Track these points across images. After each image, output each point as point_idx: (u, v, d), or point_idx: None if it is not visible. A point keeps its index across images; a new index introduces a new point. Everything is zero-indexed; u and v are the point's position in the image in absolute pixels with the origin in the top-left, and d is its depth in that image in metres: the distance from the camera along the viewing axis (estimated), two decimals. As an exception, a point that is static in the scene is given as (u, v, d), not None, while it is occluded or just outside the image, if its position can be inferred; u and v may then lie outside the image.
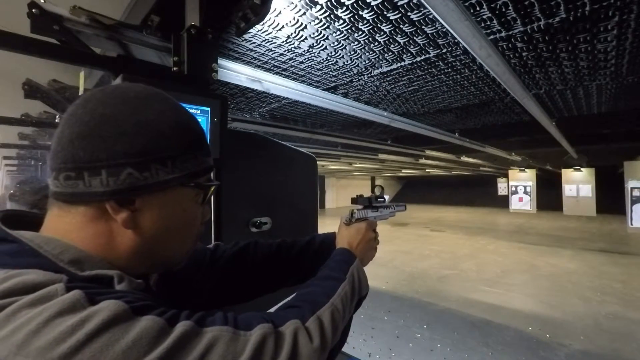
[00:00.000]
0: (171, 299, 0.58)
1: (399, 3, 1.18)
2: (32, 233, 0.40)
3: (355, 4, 1.18)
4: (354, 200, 0.77)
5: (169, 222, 0.45)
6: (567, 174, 12.17)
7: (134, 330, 0.31)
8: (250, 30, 1.23)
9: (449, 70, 1.85)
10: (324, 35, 1.42)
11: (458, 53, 1.61)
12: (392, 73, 1.88)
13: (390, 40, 1.46)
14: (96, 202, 0.40)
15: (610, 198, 12.12)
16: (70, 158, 0.39)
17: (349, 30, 1.38)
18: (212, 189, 0.50)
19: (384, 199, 0.81)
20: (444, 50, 1.58)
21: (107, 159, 0.38)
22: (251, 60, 1.65)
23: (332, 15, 1.26)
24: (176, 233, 0.47)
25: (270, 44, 1.50)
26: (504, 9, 1.22)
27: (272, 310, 0.50)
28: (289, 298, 0.53)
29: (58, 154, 0.39)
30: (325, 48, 1.55)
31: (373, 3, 1.17)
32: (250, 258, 0.70)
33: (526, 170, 13.07)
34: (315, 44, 1.51)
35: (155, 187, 0.42)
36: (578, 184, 12.20)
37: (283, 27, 1.34)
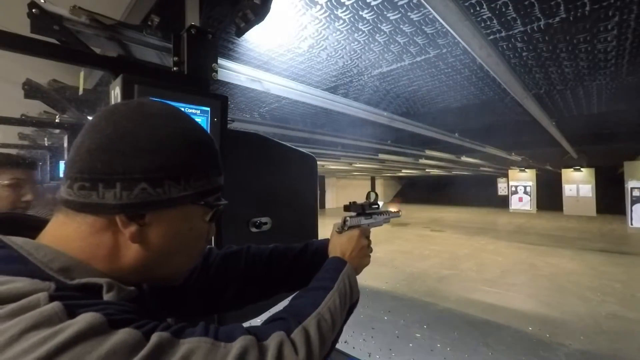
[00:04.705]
0: (163, 304, 0.57)
1: (399, 3, 1.18)
2: (23, 239, 0.40)
3: (355, 4, 1.18)
4: (347, 208, 0.74)
5: (176, 239, 0.45)
6: (567, 174, 12.18)
7: (108, 343, 0.31)
8: (250, 30, 1.23)
9: (449, 70, 1.85)
10: (324, 35, 1.42)
11: (458, 53, 1.61)
12: (392, 73, 1.88)
13: (390, 40, 1.46)
14: (106, 214, 0.40)
15: (610, 198, 12.12)
16: (87, 168, 0.39)
17: (349, 31, 1.38)
18: (221, 208, 0.50)
19: (378, 205, 0.79)
20: (444, 50, 1.58)
21: (123, 173, 0.39)
22: (251, 60, 1.65)
23: (332, 15, 1.26)
24: (181, 250, 0.47)
25: (270, 44, 1.50)
26: (504, 9, 1.22)
27: (258, 323, 0.49)
28: (277, 310, 0.52)
29: (75, 163, 0.40)
30: (325, 48, 1.55)
31: (373, 3, 1.18)
32: (241, 264, 0.69)
33: (526, 170, 13.08)
34: (315, 44, 1.51)
35: (166, 203, 0.42)
36: (578, 184, 12.21)
37: (283, 27, 1.34)
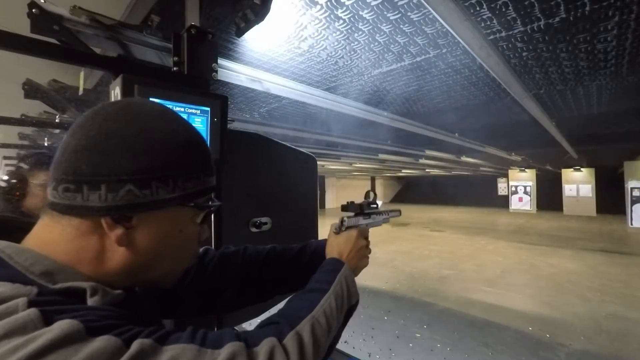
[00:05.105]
0: (158, 306, 0.56)
1: (399, 3, 1.18)
2: (5, 242, 0.39)
3: (355, 4, 1.18)
4: (345, 208, 0.72)
5: (165, 242, 0.44)
6: (567, 174, 12.19)
7: (83, 351, 0.29)
8: (250, 30, 1.23)
9: (449, 70, 1.85)
10: (324, 35, 1.42)
11: (458, 53, 1.61)
12: (392, 73, 1.88)
13: (390, 40, 1.46)
14: (91, 216, 0.39)
15: (610, 198, 12.12)
16: (71, 170, 0.38)
17: (349, 31, 1.38)
18: (213, 209, 0.49)
19: (377, 205, 0.77)
20: (444, 51, 1.58)
21: (108, 174, 0.38)
22: (251, 60, 1.65)
23: (332, 15, 1.26)
24: (170, 253, 0.46)
25: (270, 44, 1.50)
26: (504, 9, 1.22)
27: (251, 328, 0.48)
28: (271, 314, 0.50)
29: (61, 164, 0.39)
30: (325, 48, 1.55)
31: (373, 3, 1.18)
32: (238, 265, 0.68)
33: (526, 170, 13.09)
34: (315, 44, 1.51)
35: (153, 205, 0.40)
36: (578, 184, 12.23)
37: (283, 27, 1.34)
